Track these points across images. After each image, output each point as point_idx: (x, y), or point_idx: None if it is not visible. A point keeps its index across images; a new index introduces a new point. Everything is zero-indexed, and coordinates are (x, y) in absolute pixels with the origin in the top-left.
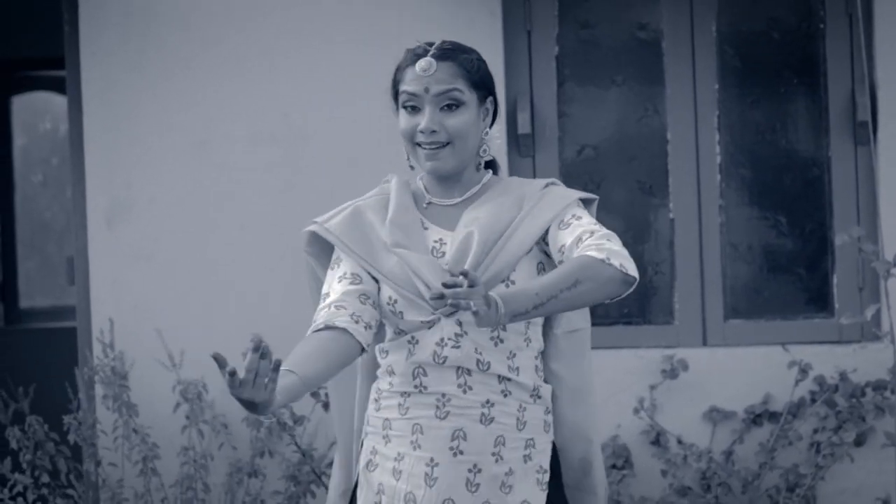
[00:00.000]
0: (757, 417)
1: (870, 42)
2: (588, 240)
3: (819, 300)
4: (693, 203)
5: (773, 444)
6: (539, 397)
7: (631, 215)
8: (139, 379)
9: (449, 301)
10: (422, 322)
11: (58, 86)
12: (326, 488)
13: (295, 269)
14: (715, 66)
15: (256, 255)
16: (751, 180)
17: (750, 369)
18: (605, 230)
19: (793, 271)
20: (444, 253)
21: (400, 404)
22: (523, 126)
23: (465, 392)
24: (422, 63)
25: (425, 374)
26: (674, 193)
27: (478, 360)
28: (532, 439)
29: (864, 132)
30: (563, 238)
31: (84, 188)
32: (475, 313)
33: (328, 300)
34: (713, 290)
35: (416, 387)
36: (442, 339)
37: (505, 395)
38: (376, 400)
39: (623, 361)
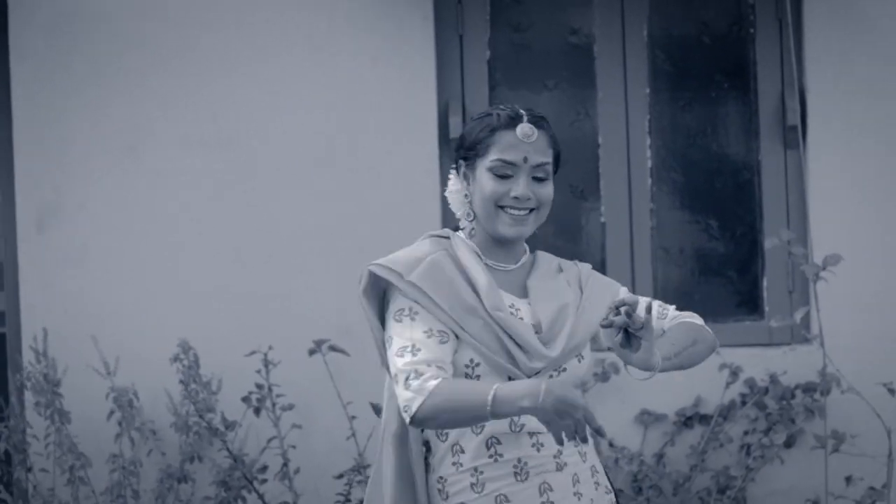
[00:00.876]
0: (688, 420)
1: (799, 47)
2: (670, 310)
3: (749, 303)
4: (624, 207)
5: (704, 446)
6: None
7: (563, 219)
8: (71, 385)
9: (621, 322)
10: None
11: None
12: (258, 493)
13: (228, 271)
14: (646, 70)
15: (187, 259)
16: (682, 184)
17: (681, 372)
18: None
19: (723, 274)
20: (521, 318)
21: (473, 484)
22: (455, 130)
23: (538, 451)
24: (524, 128)
25: (499, 443)
26: (605, 197)
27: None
28: (594, 466)
29: (794, 136)
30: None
31: (13, 192)
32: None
33: (424, 356)
34: (644, 293)
35: (490, 457)
36: None
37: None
38: (441, 490)
39: None
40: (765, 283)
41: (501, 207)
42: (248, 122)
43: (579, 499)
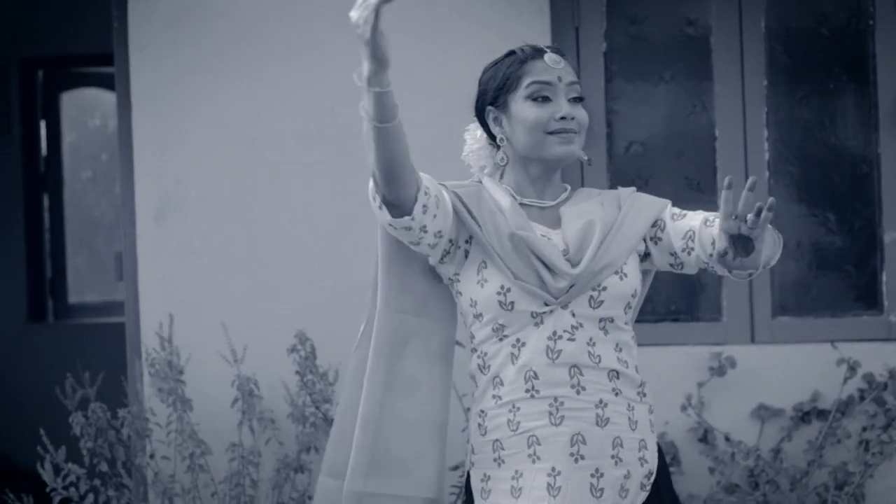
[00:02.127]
0: (805, 415)
1: None
2: (688, 213)
3: (868, 297)
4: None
5: (822, 441)
6: (644, 395)
7: None
8: (189, 374)
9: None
10: (533, 314)
11: (107, 82)
12: None
13: (345, 264)
14: (763, 62)
15: (305, 252)
16: (799, 177)
17: (798, 366)
18: None
19: (841, 268)
20: (549, 238)
21: (510, 420)
22: None
23: (578, 393)
24: (553, 56)
25: (536, 378)
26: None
27: (589, 353)
28: (644, 440)
29: None
30: (686, 225)
31: (132, 184)
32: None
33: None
34: (761, 287)
35: (527, 391)
36: (555, 333)
37: (616, 395)
38: (480, 425)
39: (671, 358)
40: (884, 278)
41: (550, 133)
42: None
43: (616, 464)
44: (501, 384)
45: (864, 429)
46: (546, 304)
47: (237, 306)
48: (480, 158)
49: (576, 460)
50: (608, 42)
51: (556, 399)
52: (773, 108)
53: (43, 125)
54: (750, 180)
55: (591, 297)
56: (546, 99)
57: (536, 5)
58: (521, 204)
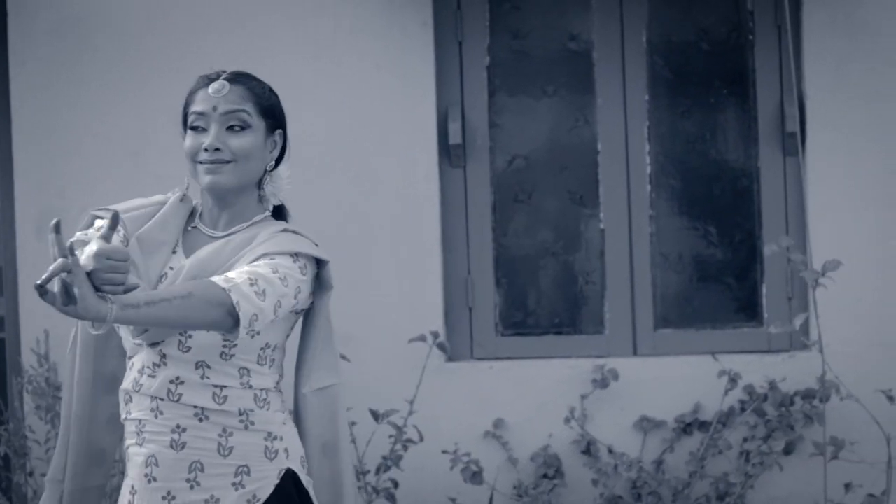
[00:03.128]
0: (687, 426)
1: (798, 54)
2: (233, 272)
3: (748, 309)
4: (623, 213)
5: (703, 452)
6: (252, 423)
7: (562, 225)
8: None
9: (45, 279)
10: (136, 343)
11: None
12: None
13: None
14: (645, 76)
15: None
16: (681, 190)
17: (680, 378)
18: (264, 273)
19: (722, 281)
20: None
21: (133, 431)
22: (454, 136)
23: (156, 417)
24: (215, 85)
25: (130, 401)
26: (604, 203)
27: (169, 391)
28: (245, 466)
29: (793, 143)
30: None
31: (13, 197)
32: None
33: None
34: (643, 300)
35: (124, 413)
36: (143, 367)
37: (200, 420)
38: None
39: (554, 371)
40: (764, 290)
41: (199, 162)
42: None
43: (192, 487)
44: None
45: (745, 439)
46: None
47: None
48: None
49: (149, 481)
50: (491, 56)
51: (140, 421)
52: (654, 121)
53: None
54: (53, 222)
55: (180, 341)
56: (201, 129)
57: (421, 19)
58: (194, 228)
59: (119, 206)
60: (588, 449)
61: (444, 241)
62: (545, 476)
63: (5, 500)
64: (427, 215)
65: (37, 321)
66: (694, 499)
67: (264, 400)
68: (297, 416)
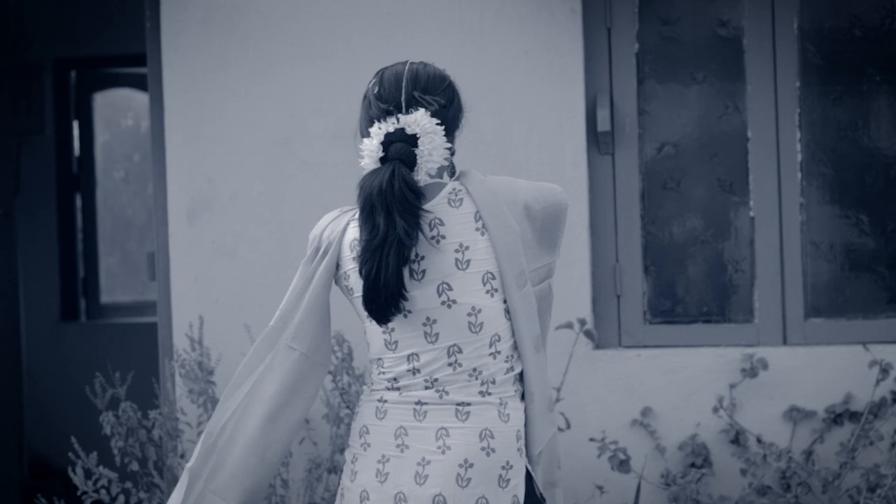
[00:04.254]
0: (837, 417)
1: None
2: None
3: None
4: (774, 201)
5: (854, 443)
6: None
7: (711, 213)
8: (223, 374)
9: None
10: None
11: (139, 83)
12: None
13: None
14: (796, 63)
15: None
16: (832, 178)
17: (830, 368)
18: None
19: (874, 270)
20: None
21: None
22: (603, 123)
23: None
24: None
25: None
26: (754, 191)
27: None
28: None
29: None
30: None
31: (165, 184)
32: None
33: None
34: (794, 289)
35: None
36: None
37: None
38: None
39: (702, 359)
40: None
41: None
42: None
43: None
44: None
45: None
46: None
47: (271, 306)
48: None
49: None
50: (640, 43)
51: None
52: (805, 108)
53: (76, 126)
54: None
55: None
56: None
57: (569, 6)
58: None
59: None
60: (736, 438)
61: (592, 229)
62: (693, 465)
63: (160, 480)
64: (575, 202)
65: (189, 307)
66: (844, 490)
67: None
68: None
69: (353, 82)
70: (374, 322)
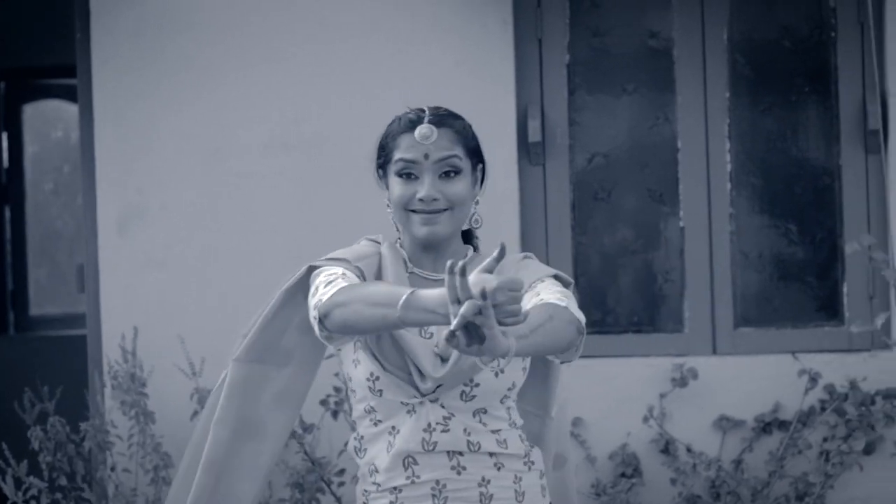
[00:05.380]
0: (766, 426)
1: (881, 51)
2: (544, 294)
3: (829, 308)
4: (703, 211)
5: (783, 452)
6: (532, 462)
7: (641, 223)
8: (153, 386)
9: (479, 307)
10: (403, 402)
11: (69, 94)
12: (334, 495)
13: None
14: (726, 74)
15: (269, 263)
16: (761, 189)
17: (760, 377)
18: (566, 291)
19: (803, 279)
20: (431, 333)
21: (392, 503)
22: (534, 134)
23: (459, 474)
24: (422, 130)
25: (416, 464)
26: (684, 201)
27: (468, 442)
28: None
29: (875, 140)
30: (526, 301)
31: (95, 195)
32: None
33: (340, 281)
34: (723, 299)
35: (407, 478)
36: (429, 425)
37: (499, 469)
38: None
39: (633, 370)
40: (845, 289)
41: (413, 211)
42: (331, 125)
43: None
44: (377, 472)
45: (825, 439)
46: (415, 396)
47: (201, 317)
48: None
49: None
50: (571, 54)
51: (437, 482)
52: (735, 119)
53: (5, 137)
54: (459, 265)
55: (464, 391)
56: (411, 176)
57: (500, 17)
58: (412, 273)
59: (347, 254)
60: (667, 448)
61: (523, 239)
62: (623, 475)
63: (90, 493)
64: (506, 213)
65: (118, 318)
66: (773, 499)
67: (525, 438)
68: (535, 437)
69: (284, 94)
70: None
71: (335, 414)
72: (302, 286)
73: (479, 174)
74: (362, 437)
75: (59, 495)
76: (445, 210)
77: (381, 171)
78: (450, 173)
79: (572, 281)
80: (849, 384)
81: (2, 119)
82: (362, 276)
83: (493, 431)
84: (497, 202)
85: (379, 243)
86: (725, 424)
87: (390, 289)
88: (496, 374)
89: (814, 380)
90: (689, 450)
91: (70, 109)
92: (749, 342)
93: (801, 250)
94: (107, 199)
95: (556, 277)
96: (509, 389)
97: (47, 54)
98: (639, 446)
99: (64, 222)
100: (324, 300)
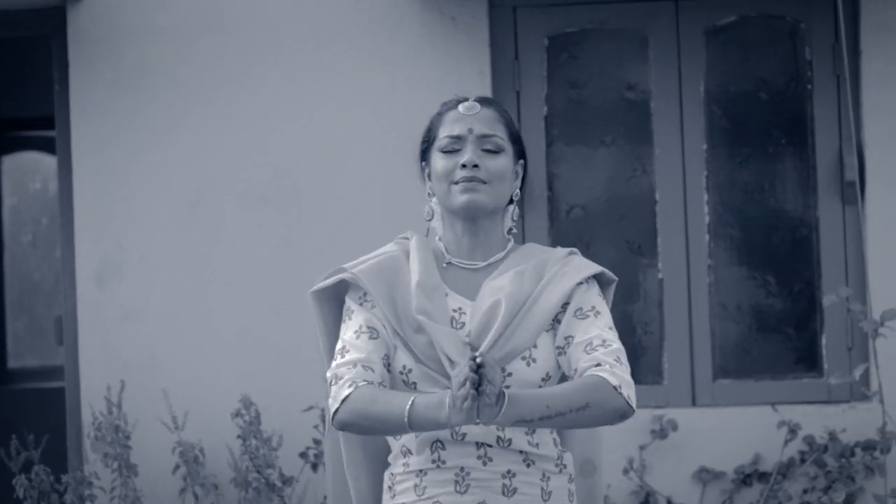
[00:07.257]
0: (746, 478)
1: (857, 102)
2: (600, 352)
3: (808, 360)
4: (682, 263)
5: None
6: (564, 466)
7: (620, 275)
8: (136, 439)
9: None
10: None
11: (48, 146)
12: None
13: (289, 328)
14: (703, 126)
15: (248, 315)
16: (739, 240)
17: (739, 429)
18: (617, 343)
19: (782, 331)
20: (462, 324)
21: (416, 485)
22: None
23: (485, 464)
24: (466, 104)
25: (443, 449)
26: (663, 253)
27: (498, 437)
28: None
29: (852, 192)
30: (575, 329)
31: (73, 247)
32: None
33: (351, 357)
34: (702, 350)
35: (433, 461)
36: None
37: (528, 465)
38: (390, 487)
39: None
40: (823, 340)
41: (454, 183)
42: (309, 177)
43: None
44: (410, 453)
45: (805, 491)
46: (447, 388)
47: (181, 370)
48: (428, 210)
49: None
50: (549, 106)
51: (462, 469)
52: (712, 171)
53: None
54: (474, 362)
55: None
56: (456, 151)
57: (478, 68)
58: (449, 263)
59: (359, 267)
60: (647, 500)
61: None
62: None
63: None
64: None
65: (97, 371)
66: None
67: (554, 439)
68: (564, 441)
69: (263, 147)
70: None
71: (314, 467)
72: (335, 292)
73: (519, 169)
74: None
75: None
76: (485, 182)
77: (424, 163)
78: (492, 151)
79: (616, 279)
80: (828, 436)
81: None
82: (372, 295)
83: (526, 432)
84: None
85: (408, 239)
86: (706, 476)
87: (391, 401)
88: (528, 364)
89: (793, 431)
90: (669, 502)
91: (48, 161)
92: (728, 394)
93: (780, 302)
94: (85, 251)
95: (600, 284)
96: (543, 380)
97: (25, 106)
98: (619, 498)
99: (42, 275)
100: (331, 413)
